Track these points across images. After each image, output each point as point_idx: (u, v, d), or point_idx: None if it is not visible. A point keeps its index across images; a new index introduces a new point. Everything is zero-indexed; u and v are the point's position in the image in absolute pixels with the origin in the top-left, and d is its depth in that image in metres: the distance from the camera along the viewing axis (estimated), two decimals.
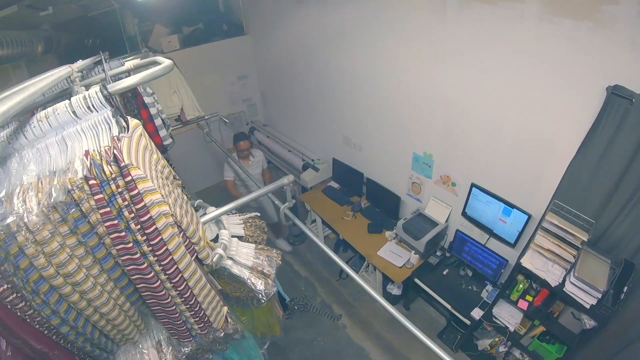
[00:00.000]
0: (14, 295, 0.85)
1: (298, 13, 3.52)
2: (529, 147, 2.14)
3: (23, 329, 0.90)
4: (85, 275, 0.89)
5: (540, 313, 2.11)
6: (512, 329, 2.29)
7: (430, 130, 2.72)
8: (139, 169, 0.83)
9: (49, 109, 0.83)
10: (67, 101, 0.84)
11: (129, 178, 0.80)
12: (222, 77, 4.70)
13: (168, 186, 1.02)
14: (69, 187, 0.78)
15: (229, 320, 1.24)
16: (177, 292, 1.01)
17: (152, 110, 1.97)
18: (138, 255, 0.89)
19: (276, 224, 4.00)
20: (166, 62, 0.99)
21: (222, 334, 1.23)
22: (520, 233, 2.38)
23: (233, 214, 1.52)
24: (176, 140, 2.21)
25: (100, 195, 0.80)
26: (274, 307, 1.72)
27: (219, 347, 1.36)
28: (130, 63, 1.40)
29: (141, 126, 0.94)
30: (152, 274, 0.93)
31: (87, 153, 0.80)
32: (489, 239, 2.64)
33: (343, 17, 2.99)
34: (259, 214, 1.54)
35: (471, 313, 2.54)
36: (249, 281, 1.25)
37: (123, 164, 0.79)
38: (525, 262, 1.99)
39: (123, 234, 0.86)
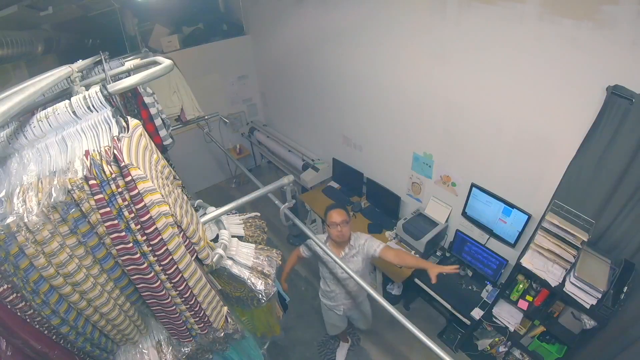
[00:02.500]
0: (14, 295, 0.85)
1: (298, 13, 3.52)
2: (529, 147, 2.14)
3: (23, 329, 0.90)
4: (85, 275, 0.89)
5: (540, 313, 2.11)
6: (512, 329, 2.29)
7: (430, 130, 2.72)
8: (139, 169, 0.83)
9: (49, 109, 0.83)
10: (67, 101, 0.83)
11: (129, 178, 0.80)
12: (222, 77, 4.70)
13: (168, 186, 1.02)
14: (69, 187, 0.78)
15: (229, 320, 1.24)
16: (177, 292, 1.00)
17: (152, 110, 1.97)
18: (138, 255, 0.89)
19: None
20: (166, 62, 0.99)
21: (222, 334, 1.23)
22: (520, 233, 2.38)
23: (233, 214, 1.52)
24: (176, 140, 2.21)
25: (100, 195, 0.80)
26: (274, 307, 1.72)
27: (219, 347, 1.36)
28: (130, 63, 1.40)
29: (141, 126, 0.94)
30: (152, 274, 0.93)
31: (87, 153, 0.80)
32: (489, 239, 2.64)
33: (343, 17, 2.99)
34: (258, 214, 1.54)
35: (471, 313, 2.54)
36: (249, 281, 1.25)
37: (123, 164, 0.79)
38: (525, 262, 1.99)
39: (123, 234, 0.86)
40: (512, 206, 2.37)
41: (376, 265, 3.00)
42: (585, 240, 1.86)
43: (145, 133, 0.96)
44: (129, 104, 1.94)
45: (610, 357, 1.77)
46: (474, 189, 2.56)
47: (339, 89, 3.45)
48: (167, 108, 2.78)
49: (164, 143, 2.07)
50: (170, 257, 0.93)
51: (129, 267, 0.92)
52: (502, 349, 2.52)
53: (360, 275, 1.98)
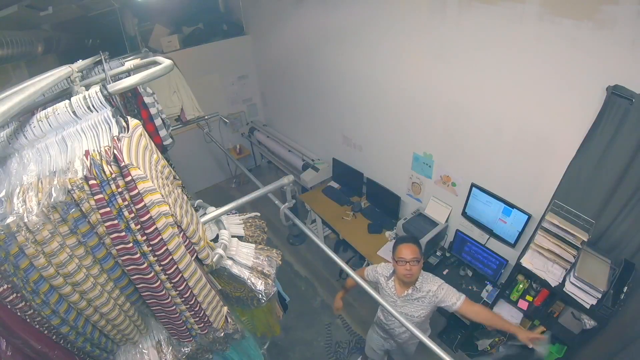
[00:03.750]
0: (14, 295, 0.85)
1: (298, 13, 3.52)
2: (529, 147, 2.14)
3: (23, 329, 0.90)
4: (85, 275, 0.89)
5: (540, 313, 2.11)
6: None
7: (430, 130, 2.72)
8: (139, 169, 0.83)
9: (49, 109, 0.83)
10: (67, 101, 0.83)
11: (129, 178, 0.80)
12: (222, 77, 4.71)
13: (168, 186, 1.02)
14: (69, 187, 0.78)
15: (229, 320, 1.24)
16: (177, 292, 1.00)
17: (152, 110, 1.97)
18: (138, 255, 0.89)
19: None
20: (166, 62, 1.00)
21: (222, 334, 1.23)
22: (520, 233, 2.38)
23: (233, 214, 1.52)
24: (176, 140, 2.21)
25: (100, 195, 0.80)
26: (274, 307, 1.72)
27: (219, 347, 1.36)
28: (130, 63, 1.40)
29: (141, 126, 0.93)
30: (152, 274, 0.93)
31: (87, 153, 0.80)
32: (489, 239, 2.64)
33: (343, 17, 3.00)
34: (258, 214, 1.54)
35: None
36: (249, 281, 1.25)
37: (123, 164, 0.79)
38: (525, 262, 1.99)
39: (123, 234, 0.86)
40: (512, 206, 2.37)
41: None
42: (585, 240, 1.86)
43: (145, 133, 0.96)
44: (129, 104, 1.94)
45: (610, 357, 1.77)
46: (474, 189, 2.56)
47: (339, 89, 3.45)
48: (167, 108, 2.78)
49: (164, 143, 2.07)
50: (170, 257, 0.93)
51: (129, 267, 0.92)
52: (502, 349, 2.52)
53: (418, 322, 1.85)
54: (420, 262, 1.78)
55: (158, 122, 2.01)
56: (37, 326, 0.93)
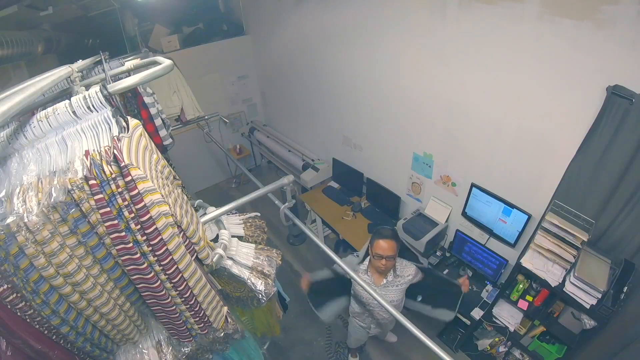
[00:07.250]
0: (14, 295, 0.85)
1: (298, 13, 3.52)
2: (528, 147, 2.14)
3: (23, 329, 0.90)
4: (85, 275, 0.89)
5: (540, 313, 2.11)
6: (512, 329, 2.29)
7: (430, 130, 2.72)
8: (139, 169, 0.83)
9: (49, 109, 0.83)
10: (67, 101, 0.83)
11: (129, 178, 0.80)
12: (222, 77, 4.70)
13: (168, 186, 1.02)
14: (69, 187, 0.78)
15: (229, 320, 1.24)
16: (177, 292, 1.00)
17: (152, 110, 1.97)
18: (138, 255, 0.89)
19: None
20: (166, 62, 0.99)
21: (222, 334, 1.23)
22: (520, 233, 2.38)
23: (233, 214, 1.52)
24: (176, 140, 2.21)
25: (100, 195, 0.80)
26: (274, 307, 1.72)
27: (219, 347, 1.36)
28: (130, 63, 1.40)
29: (141, 126, 0.93)
30: (152, 274, 0.93)
31: (87, 153, 0.80)
32: (489, 239, 2.64)
33: (343, 17, 2.99)
34: (258, 214, 1.54)
35: (471, 313, 2.54)
36: (249, 281, 1.25)
37: (123, 164, 0.79)
38: (525, 262, 1.99)
39: (123, 234, 0.86)
40: (512, 206, 2.37)
41: None
42: (585, 240, 1.86)
43: (145, 133, 0.96)
44: (129, 104, 1.94)
45: (610, 357, 1.77)
46: (474, 189, 2.56)
47: (339, 89, 3.45)
48: (167, 108, 2.77)
49: (164, 143, 2.07)
50: (170, 257, 0.93)
51: (129, 267, 0.92)
52: (502, 349, 2.52)
53: (397, 305, 1.98)
54: (396, 256, 1.85)
55: (158, 122, 2.01)
56: (37, 326, 0.93)
